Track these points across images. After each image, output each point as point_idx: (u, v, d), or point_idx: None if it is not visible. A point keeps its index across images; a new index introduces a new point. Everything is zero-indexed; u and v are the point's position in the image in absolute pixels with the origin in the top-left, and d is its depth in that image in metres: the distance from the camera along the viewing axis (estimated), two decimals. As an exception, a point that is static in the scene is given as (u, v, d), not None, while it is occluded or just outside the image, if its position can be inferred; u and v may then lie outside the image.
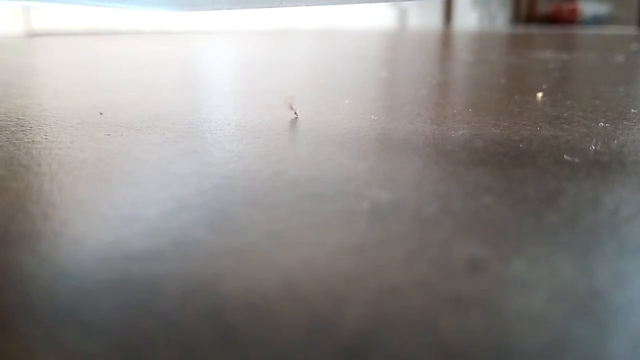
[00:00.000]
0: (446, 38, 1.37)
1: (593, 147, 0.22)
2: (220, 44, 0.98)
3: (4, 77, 0.48)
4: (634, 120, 0.27)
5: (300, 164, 0.20)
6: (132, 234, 0.13)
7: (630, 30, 2.00)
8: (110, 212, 0.15)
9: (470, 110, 0.31)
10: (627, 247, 0.13)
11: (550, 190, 0.17)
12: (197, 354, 0.09)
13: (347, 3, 0.33)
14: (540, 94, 0.37)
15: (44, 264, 0.12)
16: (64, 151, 0.22)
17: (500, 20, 3.39)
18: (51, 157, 0.21)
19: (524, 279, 0.11)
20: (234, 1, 0.31)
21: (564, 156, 0.21)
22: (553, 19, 3.18)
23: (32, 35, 1.47)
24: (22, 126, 0.26)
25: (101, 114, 0.29)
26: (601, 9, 3.11)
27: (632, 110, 0.30)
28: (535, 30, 2.05)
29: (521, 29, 2.18)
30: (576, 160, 0.20)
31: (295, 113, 0.28)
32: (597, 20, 3.08)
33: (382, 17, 2.55)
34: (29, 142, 0.23)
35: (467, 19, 3.10)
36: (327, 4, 0.33)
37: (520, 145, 0.22)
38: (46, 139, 0.24)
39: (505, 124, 0.27)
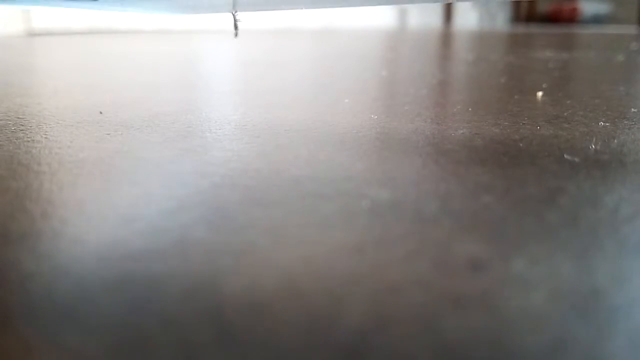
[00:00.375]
0: (446, 37, 1.37)
1: (593, 147, 0.22)
2: (220, 44, 0.98)
3: (4, 76, 0.48)
4: (634, 120, 0.27)
5: (300, 163, 0.20)
6: (131, 233, 0.13)
7: (630, 29, 2.00)
8: (109, 211, 0.15)
9: (470, 109, 0.31)
10: (627, 246, 0.13)
11: (550, 189, 0.17)
12: (195, 353, 0.09)
13: (345, 6, 0.33)
14: (540, 93, 0.37)
15: (43, 263, 0.12)
16: (64, 150, 0.22)
17: (500, 20, 3.39)
18: (51, 156, 0.21)
19: (523, 277, 0.11)
20: (235, 4, 0.31)
21: (564, 155, 0.21)
22: (553, 19, 3.18)
23: (32, 34, 1.47)
24: (22, 125, 0.26)
25: (101, 113, 0.29)
26: (601, 9, 3.11)
27: (633, 110, 0.30)
28: (535, 29, 2.05)
29: (521, 28, 2.18)
30: (576, 159, 0.20)
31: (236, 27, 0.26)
32: (597, 20, 3.08)
33: (382, 17, 2.55)
34: (28, 141, 0.23)
35: (467, 18, 3.11)
36: (325, 7, 0.33)
37: (520, 145, 0.22)
38: (46, 138, 0.24)
39: (505, 123, 0.27)
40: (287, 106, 0.32)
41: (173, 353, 0.09)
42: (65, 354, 0.09)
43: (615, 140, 0.23)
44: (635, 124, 0.26)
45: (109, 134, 0.24)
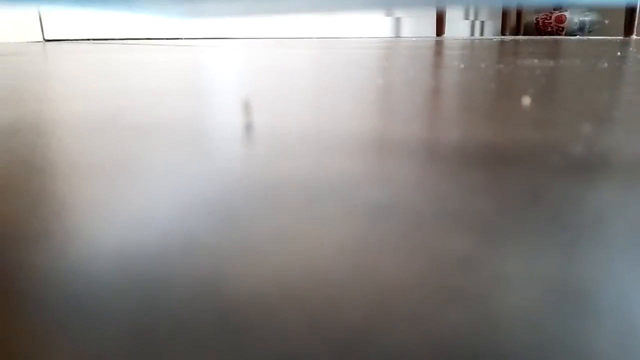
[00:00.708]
0: (438, 47, 1.39)
1: (579, 149, 0.23)
2: (228, 53, 0.99)
3: (20, 82, 0.49)
4: (617, 123, 0.29)
5: (304, 167, 0.21)
6: (141, 235, 0.14)
7: (616, 39, 2.02)
8: (121, 214, 0.15)
9: (461, 114, 0.32)
10: (611, 244, 0.13)
11: (537, 190, 0.18)
12: (201, 352, 0.09)
13: (342, 10, 0.35)
14: (527, 99, 0.38)
15: (56, 264, 0.12)
16: (78, 155, 0.22)
17: (490, 31, 3.44)
18: (65, 161, 0.22)
19: (510, 274, 0.12)
20: (235, 10, 0.32)
21: (551, 158, 0.22)
22: (541, 29, 3.23)
23: (47, 41, 1.48)
24: (37, 130, 0.27)
25: (115, 118, 0.30)
26: (588, 20, 3.15)
27: (616, 114, 0.32)
28: (523, 39, 2.08)
29: (510, 38, 2.21)
30: (562, 161, 0.21)
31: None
32: (584, 30, 3.12)
33: (377, 27, 2.58)
34: (43, 145, 0.24)
35: (458, 28, 3.15)
36: (323, 12, 0.34)
37: (509, 148, 0.24)
38: (60, 142, 0.25)
39: (495, 127, 0.28)
40: (292, 113, 0.33)
41: (177, 352, 0.10)
42: (75, 352, 0.09)
43: (600, 143, 0.24)
44: (618, 127, 0.28)
45: (121, 139, 0.25)
